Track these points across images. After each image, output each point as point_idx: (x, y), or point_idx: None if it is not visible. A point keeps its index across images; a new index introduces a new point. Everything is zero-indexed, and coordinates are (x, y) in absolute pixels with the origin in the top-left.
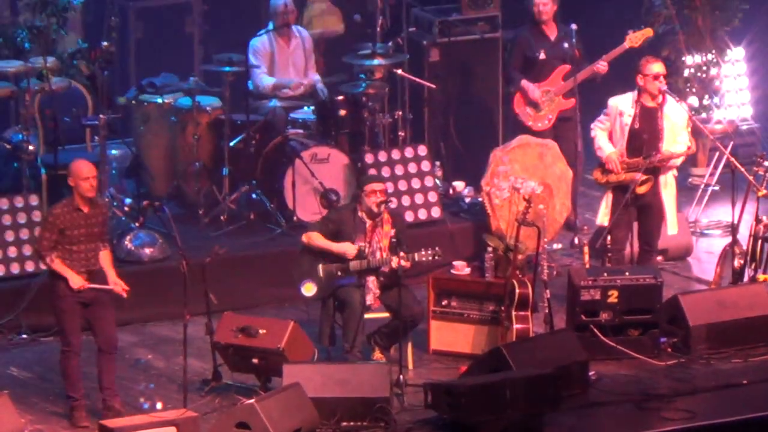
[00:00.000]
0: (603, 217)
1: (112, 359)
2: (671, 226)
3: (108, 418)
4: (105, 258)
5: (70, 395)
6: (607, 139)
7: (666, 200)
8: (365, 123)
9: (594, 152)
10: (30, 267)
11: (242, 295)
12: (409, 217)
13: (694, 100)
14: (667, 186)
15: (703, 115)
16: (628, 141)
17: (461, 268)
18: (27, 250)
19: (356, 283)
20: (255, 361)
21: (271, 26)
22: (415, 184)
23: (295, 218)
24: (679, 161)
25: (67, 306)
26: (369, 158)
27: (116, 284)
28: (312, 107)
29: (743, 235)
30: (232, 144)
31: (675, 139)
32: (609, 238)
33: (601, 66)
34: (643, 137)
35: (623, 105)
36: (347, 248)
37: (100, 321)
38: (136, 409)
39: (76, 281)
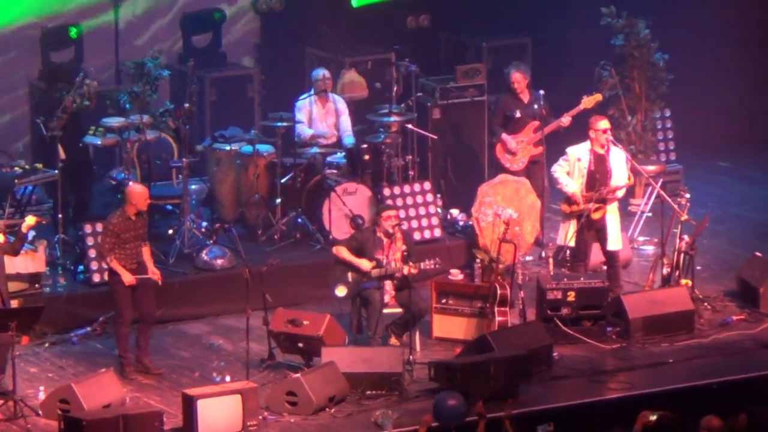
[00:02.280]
0: (570, 239)
1: (149, 327)
2: (613, 242)
3: (138, 370)
4: (146, 253)
5: (121, 354)
6: (568, 177)
7: (609, 223)
8: (384, 165)
9: (557, 188)
10: None
11: (291, 295)
12: (416, 236)
13: (632, 148)
14: (612, 213)
15: (640, 158)
16: (587, 180)
17: (456, 275)
18: None
19: (376, 286)
20: (300, 345)
21: (312, 91)
22: (421, 211)
23: (330, 237)
24: (622, 193)
25: (123, 289)
26: (386, 192)
27: (154, 273)
28: (343, 153)
29: (670, 249)
30: (283, 181)
31: (619, 176)
32: (569, 252)
33: (566, 120)
34: (596, 177)
35: (580, 153)
36: (363, 264)
37: (143, 300)
38: (210, 381)
39: (127, 278)
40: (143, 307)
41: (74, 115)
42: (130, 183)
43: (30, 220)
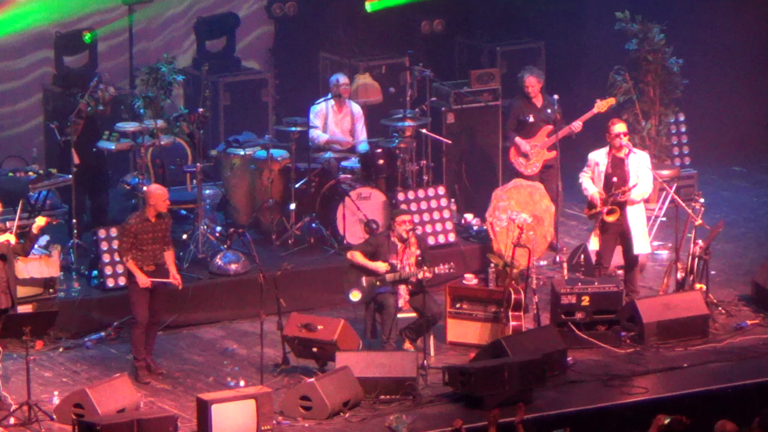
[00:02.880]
0: (594, 243)
1: (155, 329)
2: (638, 246)
3: (143, 370)
4: (169, 257)
5: (135, 357)
6: (590, 182)
7: (632, 226)
8: (398, 170)
9: (574, 192)
10: None
11: (305, 300)
12: (430, 240)
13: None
14: (634, 215)
15: (654, 162)
16: (604, 183)
17: (470, 279)
18: None
19: (391, 291)
20: (314, 349)
21: (329, 96)
22: (436, 215)
23: (345, 242)
24: (639, 195)
25: (139, 291)
26: (401, 196)
27: (175, 278)
28: (357, 158)
29: (684, 254)
30: (297, 186)
31: (638, 179)
32: (582, 257)
33: (576, 125)
34: (613, 180)
35: (598, 157)
36: (379, 266)
37: (154, 303)
38: (224, 386)
39: (143, 281)
40: (152, 310)
41: (89, 119)
42: (151, 184)
43: (40, 221)
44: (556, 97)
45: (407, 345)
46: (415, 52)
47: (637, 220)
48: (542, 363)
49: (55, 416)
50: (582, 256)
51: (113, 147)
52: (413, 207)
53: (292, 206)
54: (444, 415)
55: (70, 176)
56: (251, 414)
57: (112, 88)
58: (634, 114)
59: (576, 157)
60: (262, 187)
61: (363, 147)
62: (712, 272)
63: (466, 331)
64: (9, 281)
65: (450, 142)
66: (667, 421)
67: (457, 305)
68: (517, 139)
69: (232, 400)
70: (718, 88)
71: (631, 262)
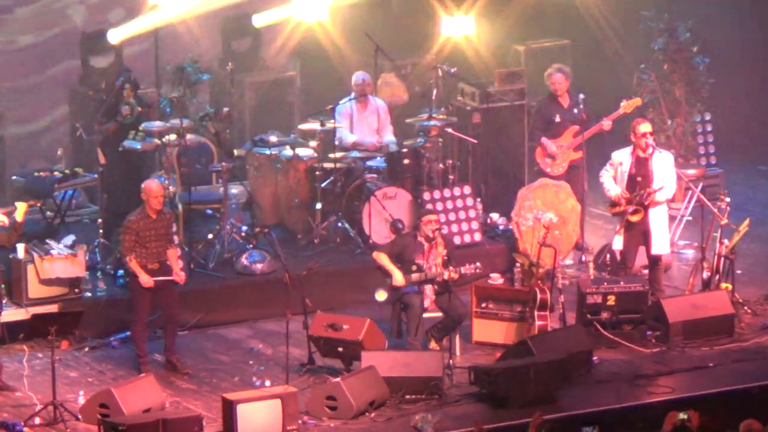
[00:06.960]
0: (618, 242)
1: (173, 328)
2: (657, 246)
3: (168, 370)
4: (172, 255)
5: (137, 354)
6: (612, 182)
7: (653, 226)
8: (424, 169)
9: (600, 192)
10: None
11: (330, 299)
12: (456, 240)
13: (672, 152)
14: (656, 216)
15: (680, 161)
16: (627, 183)
17: (496, 279)
18: None
19: (417, 291)
20: (340, 349)
21: (353, 95)
22: (462, 215)
23: (370, 241)
24: (663, 196)
25: (140, 290)
26: (427, 196)
27: (177, 275)
28: (383, 157)
29: (710, 253)
30: (323, 185)
31: (663, 180)
32: (608, 256)
33: (607, 124)
34: (637, 180)
35: (622, 157)
36: (396, 276)
37: (164, 301)
38: (250, 386)
39: (145, 280)
40: (164, 309)
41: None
42: (146, 180)
43: (22, 207)
44: (582, 96)
45: (433, 345)
46: (441, 51)
47: (658, 220)
48: (568, 363)
49: (80, 416)
50: (608, 256)
51: (139, 146)
52: (439, 206)
53: (318, 205)
54: (470, 415)
55: (96, 176)
56: (277, 414)
57: (153, 90)
58: (660, 113)
59: (602, 156)
60: (288, 186)
61: (391, 147)
62: (738, 271)
63: (492, 331)
64: None
65: (476, 141)
66: (683, 417)
67: (483, 305)
68: (544, 140)
69: (258, 399)
70: (744, 87)
71: (653, 261)
